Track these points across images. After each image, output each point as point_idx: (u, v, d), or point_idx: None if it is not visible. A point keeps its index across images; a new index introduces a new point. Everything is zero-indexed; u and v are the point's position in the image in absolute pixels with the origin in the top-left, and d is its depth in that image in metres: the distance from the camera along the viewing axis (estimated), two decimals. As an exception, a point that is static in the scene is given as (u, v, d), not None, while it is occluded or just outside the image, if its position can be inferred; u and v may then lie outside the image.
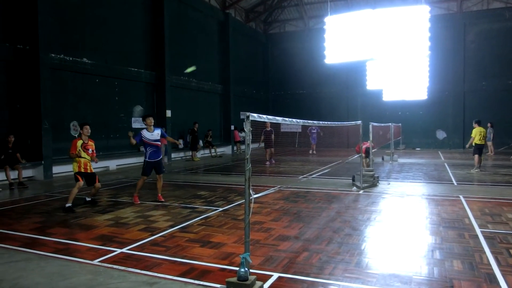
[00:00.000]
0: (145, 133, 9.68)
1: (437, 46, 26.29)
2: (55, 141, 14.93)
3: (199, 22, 24.99)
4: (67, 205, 8.91)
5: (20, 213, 8.76)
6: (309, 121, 7.48)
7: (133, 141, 9.59)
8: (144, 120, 9.85)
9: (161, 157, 10.16)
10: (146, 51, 20.38)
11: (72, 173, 9.63)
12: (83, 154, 9.34)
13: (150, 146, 9.73)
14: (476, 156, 15.16)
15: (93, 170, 9.73)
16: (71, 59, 16.07)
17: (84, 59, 16.69)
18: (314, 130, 25.08)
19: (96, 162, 10.00)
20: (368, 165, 13.57)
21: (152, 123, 9.80)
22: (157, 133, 9.76)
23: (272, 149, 19.68)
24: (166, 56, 20.89)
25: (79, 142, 9.33)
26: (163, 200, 9.95)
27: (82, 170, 9.38)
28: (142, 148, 10.88)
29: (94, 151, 9.70)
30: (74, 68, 16.22)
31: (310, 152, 25.10)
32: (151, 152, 9.76)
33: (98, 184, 9.62)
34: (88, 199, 9.72)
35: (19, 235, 6.82)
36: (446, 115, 28.74)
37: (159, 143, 9.86)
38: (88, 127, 9.48)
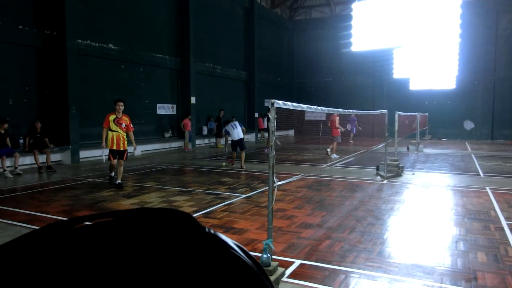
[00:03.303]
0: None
1: (468, 33, 25.69)
2: (82, 126, 15.17)
3: (224, 8, 24.95)
4: (110, 174, 10.27)
5: (48, 196, 8.97)
6: (334, 109, 7.44)
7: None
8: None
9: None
10: (171, 37, 20.46)
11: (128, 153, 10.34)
12: (114, 127, 9.76)
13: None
14: None
15: (126, 147, 10.08)
16: (97, 45, 16.25)
17: (110, 45, 16.86)
18: (353, 119, 24.97)
19: (135, 149, 10.92)
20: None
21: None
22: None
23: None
24: (191, 43, 20.93)
25: (112, 117, 9.83)
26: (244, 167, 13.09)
27: (115, 147, 9.76)
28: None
29: (130, 125, 10.16)
30: (100, 54, 16.40)
31: (351, 141, 25.00)
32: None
33: (121, 161, 10.00)
34: (118, 181, 9.88)
35: (48, 217, 7.00)
36: (474, 105, 28.12)
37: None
38: (121, 103, 9.99)
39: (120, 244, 0.56)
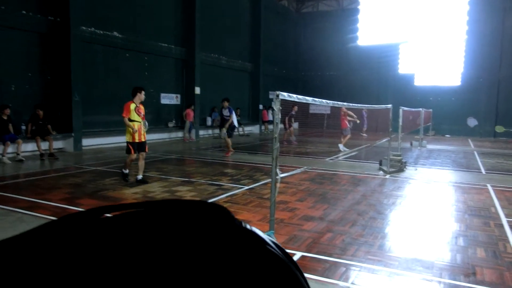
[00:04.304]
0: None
1: (475, 30, 25.59)
2: (85, 114, 15.19)
3: (231, -1, 24.90)
4: (125, 171, 9.29)
5: (50, 184, 9.03)
6: (338, 103, 7.45)
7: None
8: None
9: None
10: (177, 27, 20.43)
11: (125, 142, 9.39)
12: (136, 116, 9.01)
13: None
14: None
15: (146, 138, 9.41)
16: (101, 32, 16.23)
17: (115, 33, 16.84)
18: (365, 114, 25.06)
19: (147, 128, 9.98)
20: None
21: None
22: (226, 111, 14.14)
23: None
24: (196, 33, 20.89)
25: (132, 105, 9.02)
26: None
27: (136, 139, 9.02)
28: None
29: (144, 116, 9.34)
30: (104, 42, 16.39)
31: (364, 134, 25.16)
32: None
33: (143, 154, 9.27)
34: (139, 177, 9.21)
35: (50, 205, 7.05)
36: (478, 103, 28.02)
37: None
38: (143, 91, 9.27)
39: (151, 238, 0.55)
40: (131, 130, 9.00)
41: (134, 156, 9.09)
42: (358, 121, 17.54)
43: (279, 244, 0.58)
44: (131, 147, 9.03)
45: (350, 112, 16.67)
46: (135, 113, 9.01)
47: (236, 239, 0.56)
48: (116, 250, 0.53)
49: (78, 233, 0.55)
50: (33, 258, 0.53)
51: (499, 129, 18.01)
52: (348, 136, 16.61)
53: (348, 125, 16.68)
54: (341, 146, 16.56)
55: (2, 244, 0.53)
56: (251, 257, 0.55)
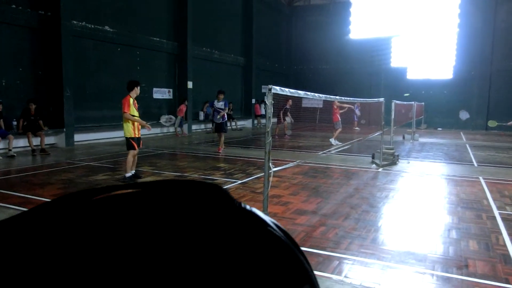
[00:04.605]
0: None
1: (466, 24, 25.70)
2: (77, 109, 15.10)
3: (223, -7, 24.79)
4: (127, 175, 8.77)
5: (42, 179, 8.97)
6: (331, 96, 7.45)
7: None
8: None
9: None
10: (169, 21, 20.31)
11: (124, 138, 9.07)
12: (135, 111, 8.75)
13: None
14: None
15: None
16: (93, 26, 16.09)
17: (106, 27, 16.71)
18: (357, 108, 25.09)
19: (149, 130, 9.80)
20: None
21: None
22: (222, 104, 13.80)
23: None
24: (188, 27, 20.78)
25: (131, 100, 8.68)
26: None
27: (137, 134, 8.78)
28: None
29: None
30: (96, 36, 16.25)
31: (356, 128, 25.21)
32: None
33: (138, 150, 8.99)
34: (133, 172, 8.94)
35: (42, 200, 7.01)
36: (470, 96, 28.13)
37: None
38: (139, 86, 9.00)
39: (149, 218, 0.54)
40: (132, 126, 8.69)
41: (137, 151, 8.85)
42: (352, 106, 17.50)
43: (280, 225, 0.57)
44: (133, 143, 8.73)
45: (343, 105, 16.66)
46: (134, 108, 8.75)
47: (237, 220, 0.55)
48: (113, 231, 0.52)
49: (73, 213, 0.54)
50: (26, 240, 0.51)
51: (492, 123, 18.16)
52: (339, 129, 16.64)
53: (339, 119, 16.70)
54: (332, 140, 16.59)
55: None
56: (252, 238, 0.54)
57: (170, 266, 0.52)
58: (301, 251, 0.58)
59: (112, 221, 0.53)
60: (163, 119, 11.39)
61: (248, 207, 0.57)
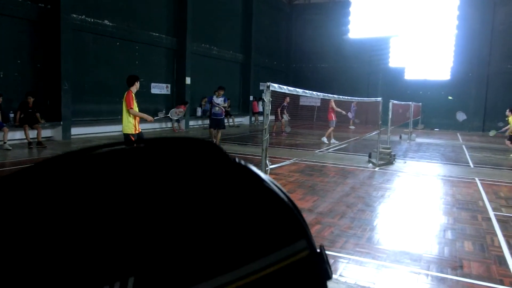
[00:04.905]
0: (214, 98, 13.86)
1: (465, 25, 25.71)
2: (74, 102, 15.05)
3: (223, -11, 24.73)
4: None
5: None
6: (329, 95, 7.45)
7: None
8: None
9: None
10: (168, 16, 20.26)
11: (115, 132, 8.69)
12: (137, 107, 8.59)
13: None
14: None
15: None
16: (92, 20, 16.04)
17: (106, 21, 16.66)
18: (353, 107, 25.08)
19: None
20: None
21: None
22: (221, 100, 13.81)
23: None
24: (188, 22, 20.74)
25: (133, 95, 8.51)
26: None
27: (137, 130, 8.62)
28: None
29: None
30: (95, 30, 16.21)
31: (352, 127, 25.19)
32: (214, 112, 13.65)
33: None
34: None
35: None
36: (468, 97, 28.15)
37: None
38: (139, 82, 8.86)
39: (151, 171, 0.54)
40: (133, 122, 8.46)
41: None
42: (343, 112, 17.55)
43: (276, 182, 0.57)
44: (133, 139, 8.37)
45: (338, 109, 16.67)
46: (136, 103, 8.57)
47: (233, 173, 0.56)
48: (114, 183, 0.53)
49: (77, 165, 0.55)
50: (31, 192, 0.53)
51: (492, 133, 18.24)
52: (331, 128, 16.65)
53: (334, 119, 16.71)
54: (324, 139, 16.61)
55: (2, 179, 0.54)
56: (247, 191, 0.55)
57: (170, 216, 0.53)
58: (297, 208, 0.58)
59: (114, 173, 0.54)
60: (172, 112, 11.45)
61: (243, 162, 0.59)
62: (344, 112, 17.32)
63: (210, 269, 0.53)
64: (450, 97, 25.58)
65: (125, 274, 0.51)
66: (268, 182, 0.57)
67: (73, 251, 0.51)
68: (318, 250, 0.63)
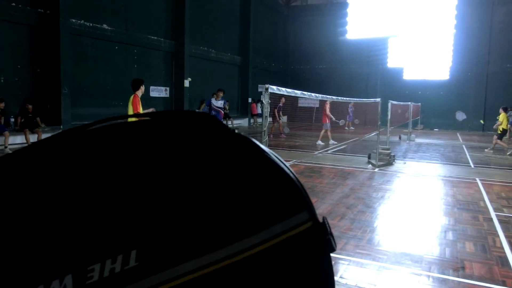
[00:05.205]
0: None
1: (463, 25, 25.72)
2: (74, 106, 15.08)
3: (221, -9, 24.74)
4: None
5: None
6: (327, 96, 7.43)
7: None
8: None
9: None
10: (167, 19, 20.28)
11: None
12: (143, 110, 8.44)
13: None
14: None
15: None
16: (91, 25, 16.07)
17: (104, 25, 16.68)
18: (350, 108, 25.05)
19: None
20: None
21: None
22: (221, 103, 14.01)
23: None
24: (186, 25, 20.77)
25: (139, 98, 8.46)
26: None
27: None
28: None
29: None
30: (94, 34, 16.24)
31: (347, 128, 25.12)
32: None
33: None
34: None
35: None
36: (467, 97, 28.16)
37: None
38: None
39: (155, 143, 0.54)
40: None
41: None
42: (333, 119, 17.60)
43: (278, 156, 0.57)
44: None
45: (329, 114, 16.68)
46: (141, 107, 8.51)
47: (234, 143, 0.56)
48: (119, 153, 0.53)
49: (83, 139, 0.54)
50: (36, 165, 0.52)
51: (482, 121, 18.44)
52: (324, 130, 16.67)
53: (328, 121, 16.72)
54: (319, 142, 16.60)
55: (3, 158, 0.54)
56: (248, 161, 0.54)
57: (173, 188, 0.52)
58: (299, 180, 0.57)
59: (120, 144, 0.54)
60: None
61: (242, 133, 0.59)
62: (334, 118, 17.32)
63: (212, 242, 0.52)
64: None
65: (127, 247, 0.51)
66: (269, 153, 0.56)
67: (77, 223, 0.51)
68: (321, 222, 0.63)
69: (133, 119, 0.64)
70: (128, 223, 0.50)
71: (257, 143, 0.54)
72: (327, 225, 0.60)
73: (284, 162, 0.54)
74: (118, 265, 0.51)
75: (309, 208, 0.57)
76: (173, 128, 0.56)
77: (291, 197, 0.56)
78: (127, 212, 0.51)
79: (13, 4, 13.49)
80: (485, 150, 15.14)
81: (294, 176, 0.55)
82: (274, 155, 0.55)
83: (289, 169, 0.55)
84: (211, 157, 0.53)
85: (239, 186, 0.52)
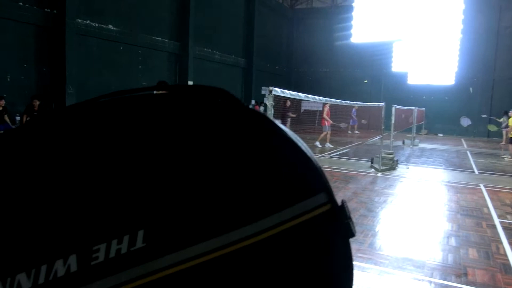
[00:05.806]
0: None
1: (470, 29, 25.58)
2: (79, 106, 15.12)
3: (226, -7, 24.77)
4: None
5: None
6: (331, 99, 7.41)
7: None
8: None
9: None
10: (171, 20, 20.30)
11: None
12: None
13: None
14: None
15: None
16: (97, 25, 16.11)
17: (110, 26, 16.71)
18: (354, 112, 25.03)
19: None
20: None
21: None
22: None
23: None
24: (190, 27, 20.79)
25: None
26: None
27: None
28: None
29: None
30: (99, 35, 16.27)
31: (350, 132, 25.09)
32: None
33: None
34: None
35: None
36: (472, 102, 28.01)
37: None
38: None
39: (166, 117, 0.53)
40: None
41: None
42: (331, 122, 17.64)
43: (296, 135, 0.56)
44: None
45: (326, 117, 16.72)
46: None
47: (253, 122, 0.54)
48: (132, 126, 0.52)
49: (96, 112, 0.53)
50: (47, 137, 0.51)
51: (492, 128, 18.25)
52: (324, 133, 16.71)
53: (327, 124, 16.76)
54: (317, 143, 16.62)
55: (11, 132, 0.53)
56: (267, 140, 0.52)
57: (185, 166, 0.50)
58: (317, 160, 0.55)
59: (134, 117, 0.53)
60: None
61: (261, 111, 0.58)
62: (331, 122, 17.33)
63: (224, 223, 0.50)
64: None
65: (134, 226, 0.49)
66: (286, 130, 0.54)
67: (82, 200, 0.49)
68: (340, 205, 0.60)
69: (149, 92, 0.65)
70: (135, 202, 0.49)
71: (273, 120, 0.52)
72: (346, 208, 0.57)
73: (302, 141, 0.51)
74: (125, 245, 0.49)
75: (328, 190, 0.55)
76: (186, 103, 0.54)
77: (309, 177, 0.53)
78: (135, 189, 0.49)
79: (20, 3, 13.53)
80: (505, 158, 15.03)
81: (312, 155, 0.53)
82: (292, 134, 0.53)
83: (306, 148, 0.53)
84: (224, 134, 0.51)
85: (254, 164, 0.50)
